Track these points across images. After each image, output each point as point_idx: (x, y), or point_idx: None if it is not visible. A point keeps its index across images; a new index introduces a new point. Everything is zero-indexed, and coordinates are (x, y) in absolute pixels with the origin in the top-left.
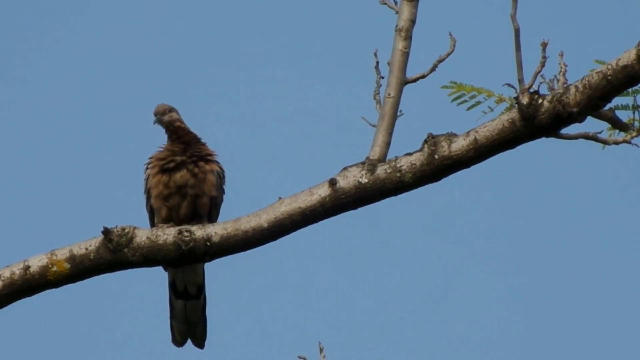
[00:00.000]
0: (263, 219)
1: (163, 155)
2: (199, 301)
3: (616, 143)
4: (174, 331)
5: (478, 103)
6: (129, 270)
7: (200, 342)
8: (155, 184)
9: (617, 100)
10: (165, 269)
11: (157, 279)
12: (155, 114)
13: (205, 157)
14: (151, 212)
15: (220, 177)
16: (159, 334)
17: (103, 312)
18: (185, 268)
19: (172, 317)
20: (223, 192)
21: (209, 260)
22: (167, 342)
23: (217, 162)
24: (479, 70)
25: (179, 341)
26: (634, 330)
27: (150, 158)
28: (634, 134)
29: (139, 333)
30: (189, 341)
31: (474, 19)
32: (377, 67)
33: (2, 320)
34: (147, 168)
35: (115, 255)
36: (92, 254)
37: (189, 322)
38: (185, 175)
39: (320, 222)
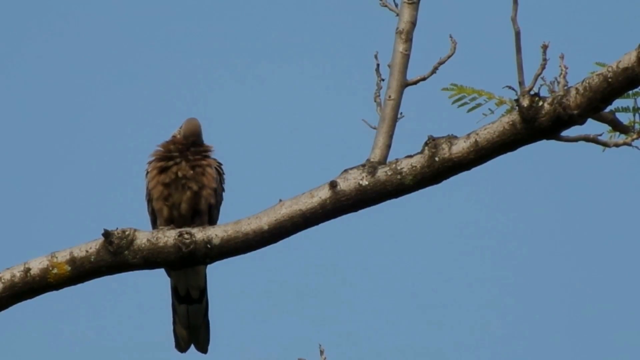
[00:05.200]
0: (263, 221)
1: (159, 155)
2: (202, 305)
3: (617, 145)
4: (177, 336)
5: (478, 105)
6: (132, 276)
7: (203, 347)
8: (154, 185)
9: (617, 103)
10: (168, 274)
11: (160, 284)
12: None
13: (202, 153)
14: (153, 214)
15: (219, 172)
16: (163, 339)
17: (106, 317)
18: (187, 272)
19: (175, 322)
20: (223, 189)
21: (210, 263)
22: (171, 347)
23: (214, 159)
24: (480, 73)
25: (182, 347)
26: (635, 331)
27: (148, 163)
28: (635, 136)
29: (142, 339)
30: (193, 346)
31: (475, 21)
32: (377, 69)
33: (2, 323)
34: (147, 173)
35: (115, 257)
36: (93, 257)
37: (191, 327)
38: (183, 169)
39: (321, 225)
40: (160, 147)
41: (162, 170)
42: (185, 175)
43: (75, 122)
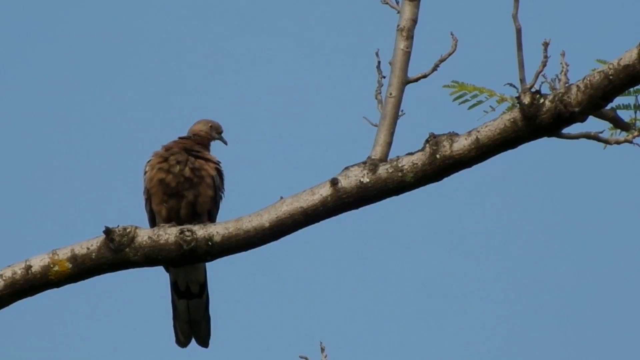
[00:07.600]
0: (265, 219)
1: (159, 160)
2: (202, 299)
3: (618, 143)
4: (177, 332)
5: (480, 102)
6: (131, 272)
7: (204, 341)
8: (155, 191)
9: (618, 100)
10: (167, 270)
11: (159, 279)
12: (222, 131)
13: (202, 158)
14: (151, 212)
15: (219, 175)
16: (163, 335)
17: (106, 314)
18: (187, 267)
19: (175, 317)
20: (222, 190)
21: (211, 260)
22: (171, 343)
23: (215, 163)
24: (481, 70)
25: (182, 341)
26: (635, 331)
27: (148, 162)
28: (636, 133)
29: (143, 335)
30: (194, 341)
31: (476, 19)
32: (378, 66)
33: (3, 320)
34: (145, 172)
35: (116, 254)
36: (94, 254)
37: (192, 321)
38: (181, 179)
39: (322, 222)
40: (158, 153)
41: (161, 179)
42: (183, 186)
43: (77, 120)
